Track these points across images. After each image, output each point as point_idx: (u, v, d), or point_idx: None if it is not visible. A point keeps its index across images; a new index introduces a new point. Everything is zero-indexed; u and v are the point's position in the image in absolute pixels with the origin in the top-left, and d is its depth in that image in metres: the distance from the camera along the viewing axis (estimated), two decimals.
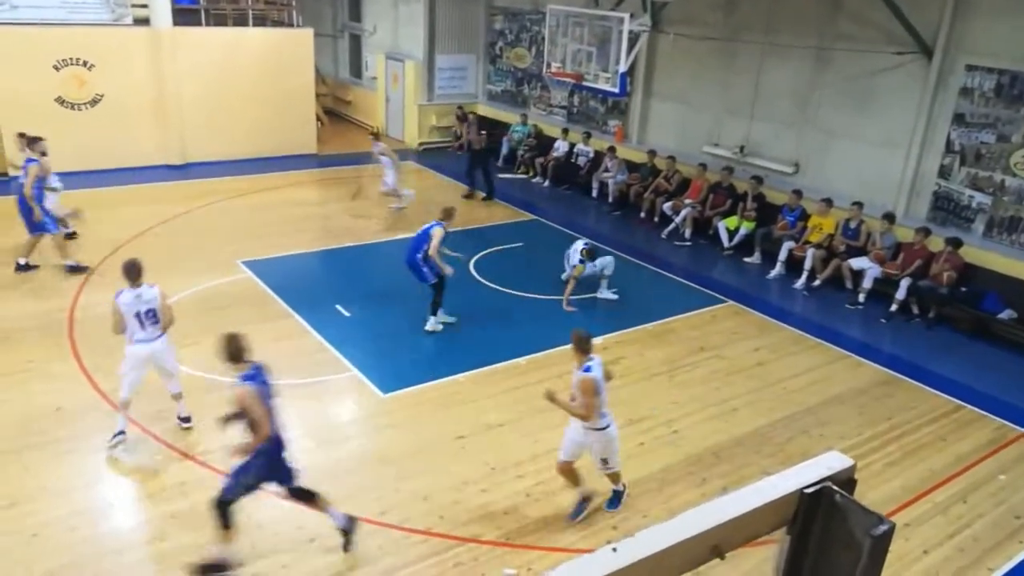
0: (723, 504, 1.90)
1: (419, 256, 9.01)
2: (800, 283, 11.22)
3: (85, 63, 14.38)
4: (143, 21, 15.00)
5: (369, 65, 20.86)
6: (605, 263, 10.42)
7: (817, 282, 11.15)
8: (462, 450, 6.96)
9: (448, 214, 9.28)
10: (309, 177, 16.04)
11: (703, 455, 7.08)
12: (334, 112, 21.37)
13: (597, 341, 9.05)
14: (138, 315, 6.47)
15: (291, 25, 17.03)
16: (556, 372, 8.38)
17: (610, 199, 14.63)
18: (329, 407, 7.75)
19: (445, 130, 18.88)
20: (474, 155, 14.80)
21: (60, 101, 14.32)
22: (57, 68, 14.17)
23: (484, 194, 14.80)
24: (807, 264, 11.18)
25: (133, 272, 6.50)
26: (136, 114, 15.00)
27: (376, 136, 13.90)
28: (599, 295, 10.42)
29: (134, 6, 15.01)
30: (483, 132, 15.01)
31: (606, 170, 14.83)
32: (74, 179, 14.10)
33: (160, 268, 10.52)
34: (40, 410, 7.19)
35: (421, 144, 18.70)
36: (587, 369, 5.78)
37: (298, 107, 16.92)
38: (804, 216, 11.72)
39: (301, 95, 16.89)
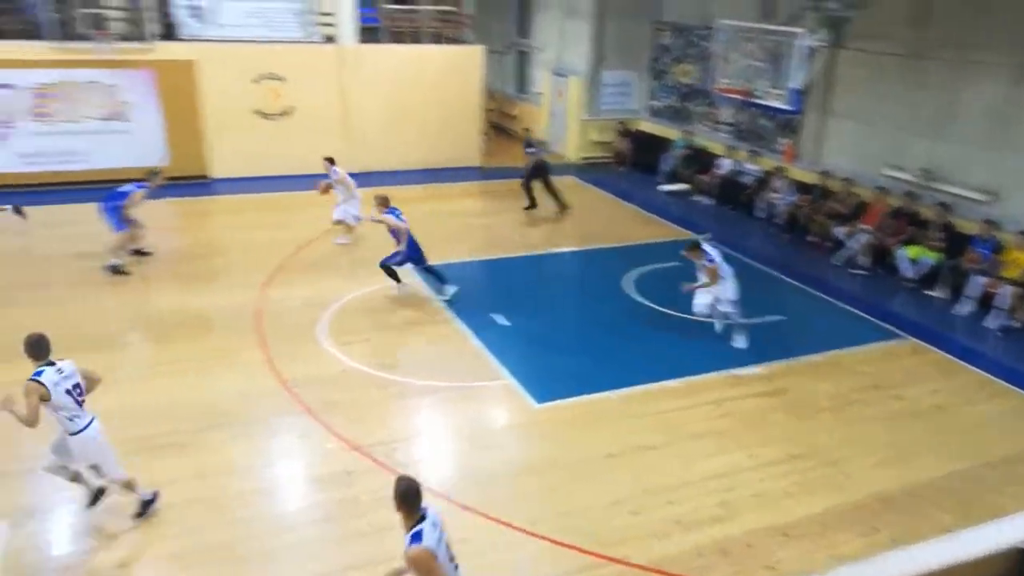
0: (926, 550, 1.77)
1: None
2: (992, 322, 10.23)
3: (280, 77, 15.66)
4: (331, 39, 16.16)
5: (534, 81, 21.30)
6: (724, 290, 9.22)
7: (1015, 323, 10.12)
8: (612, 468, 6.90)
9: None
10: (474, 189, 16.59)
11: (870, 502, 6.60)
12: (500, 126, 21.96)
13: (756, 370, 8.73)
14: (68, 392, 5.48)
15: (464, 42, 17.70)
16: (711, 398, 8.13)
17: (777, 220, 14.04)
18: (483, 413, 7.94)
19: (606, 145, 18.91)
20: (532, 169, 14.64)
21: (257, 112, 15.66)
22: (256, 82, 15.52)
23: (557, 208, 14.60)
24: (1002, 302, 10.18)
25: (43, 344, 5.50)
26: (322, 125, 16.13)
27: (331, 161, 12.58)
28: (735, 344, 9.36)
29: (323, 25, 16.21)
30: (532, 148, 14.81)
31: (774, 190, 14.25)
32: (267, 183, 15.41)
33: (334, 269, 11.31)
34: (231, 394, 7.86)
35: (582, 158, 18.84)
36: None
37: (466, 121, 17.55)
38: (998, 248, 10.69)
39: (469, 109, 17.51)
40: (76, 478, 5.95)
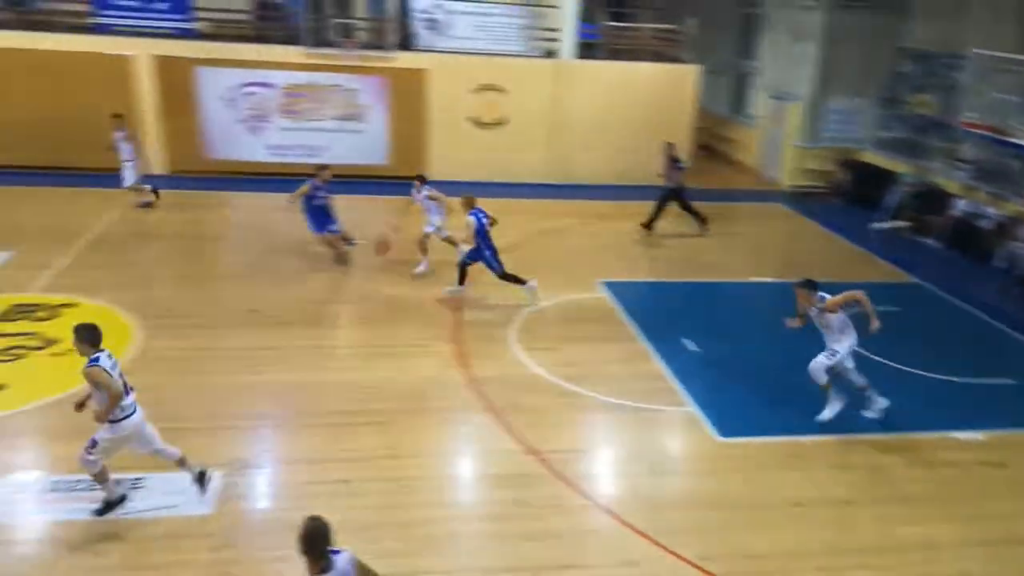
0: None
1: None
2: None
3: (499, 89, 16.33)
4: (551, 53, 16.62)
5: (751, 103, 20.56)
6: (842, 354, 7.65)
7: None
8: (799, 518, 6.46)
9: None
10: (675, 208, 16.27)
11: None
12: (710, 148, 21.43)
13: (977, 436, 7.81)
14: (121, 376, 5.73)
15: (681, 61, 17.47)
16: (922, 459, 7.39)
17: (1019, 272, 12.49)
18: (662, 438, 7.75)
19: (822, 174, 17.83)
20: (675, 188, 14.02)
21: (474, 120, 16.44)
22: (476, 92, 16.30)
23: (700, 225, 14.12)
24: None
25: (98, 333, 5.75)
26: (530, 136, 16.62)
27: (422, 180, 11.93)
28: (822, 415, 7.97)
29: (545, 40, 16.71)
30: (680, 165, 14.03)
31: (1018, 238, 12.69)
32: (476, 188, 16.09)
33: (528, 276, 11.55)
34: (424, 382, 8.30)
35: (794, 186, 17.90)
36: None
37: (674, 140, 17.27)
38: None
39: (680, 129, 17.23)
40: (102, 477, 5.84)
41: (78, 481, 6.20)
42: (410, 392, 8.08)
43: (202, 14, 15.96)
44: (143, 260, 11.49)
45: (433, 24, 16.13)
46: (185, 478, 6.17)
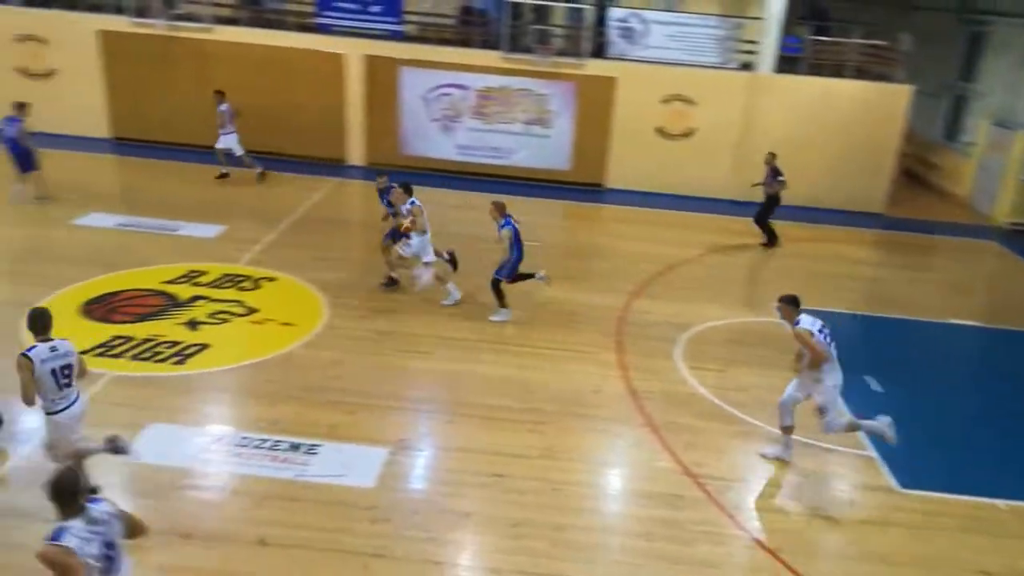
0: None
1: None
2: None
3: (688, 100, 16.01)
4: (747, 66, 16.04)
5: (968, 129, 18.72)
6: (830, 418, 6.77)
7: None
8: None
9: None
10: (869, 236, 15.20)
11: None
12: (914, 174, 19.78)
13: None
14: (54, 372, 5.43)
15: (890, 80, 16.25)
16: None
17: None
18: (833, 479, 7.25)
19: None
20: (772, 200, 13.33)
21: (660, 131, 16.23)
22: (665, 102, 16.07)
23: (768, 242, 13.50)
24: None
25: (44, 320, 5.51)
26: (717, 150, 16.13)
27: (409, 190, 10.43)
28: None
29: (743, 52, 16.15)
30: (780, 178, 13.15)
31: None
32: (656, 199, 15.92)
33: (701, 293, 11.24)
34: (583, 388, 8.32)
35: (1012, 223, 16.10)
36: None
37: (875, 163, 16.12)
38: None
39: (882, 152, 16.05)
40: (79, 455, 5.67)
41: (264, 440, 6.80)
42: (569, 396, 8.12)
43: (411, 17, 16.94)
44: (336, 244, 12.38)
45: (628, 33, 16.09)
46: (356, 450, 6.58)
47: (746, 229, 14.58)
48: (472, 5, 18.27)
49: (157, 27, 15.93)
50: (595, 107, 16.11)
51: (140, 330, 8.63)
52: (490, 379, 8.32)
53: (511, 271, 9.79)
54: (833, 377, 6.81)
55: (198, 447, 6.75)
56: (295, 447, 6.76)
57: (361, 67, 16.16)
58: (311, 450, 6.75)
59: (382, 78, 16.20)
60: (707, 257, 12.75)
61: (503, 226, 9.74)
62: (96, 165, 15.57)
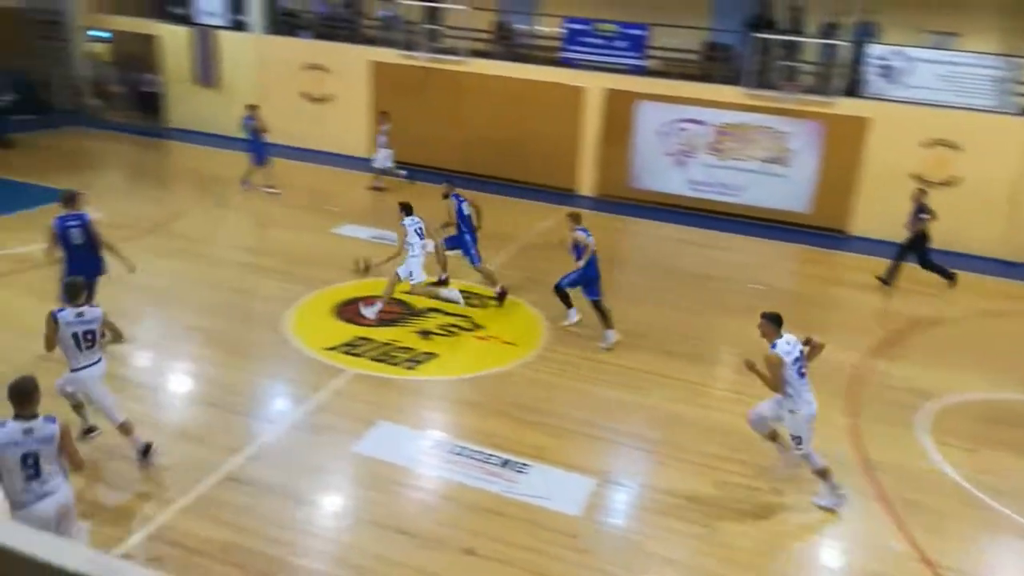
0: None
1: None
2: None
3: (954, 145, 14.51)
4: None
5: None
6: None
7: None
8: None
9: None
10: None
11: None
12: None
13: None
14: (76, 335, 6.18)
15: None
16: None
17: None
18: None
19: None
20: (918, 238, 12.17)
21: (915, 178, 14.79)
22: (925, 146, 14.68)
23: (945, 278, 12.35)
24: None
25: (74, 289, 6.32)
26: (989, 203, 14.40)
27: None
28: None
29: (1021, 95, 14.36)
30: (923, 215, 12.11)
31: None
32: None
33: (953, 360, 10.03)
34: None
35: None
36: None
37: None
38: None
39: None
40: (78, 409, 6.71)
41: (478, 452, 7.08)
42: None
43: (654, 52, 17.04)
44: (559, 270, 12.65)
45: (888, 71, 14.95)
46: (563, 476, 6.65)
47: (1021, 293, 12.89)
48: (717, 41, 17.99)
49: (420, 59, 17.42)
50: (843, 148, 15.12)
51: (380, 334, 9.38)
52: (709, 425, 8.03)
53: (579, 278, 9.68)
54: (806, 408, 6.58)
55: (419, 449, 7.17)
56: (505, 463, 6.96)
57: (599, 100, 16.50)
58: (520, 468, 6.91)
59: (619, 111, 16.42)
60: (968, 320, 11.41)
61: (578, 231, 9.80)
62: (356, 181, 17.26)
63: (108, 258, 8.41)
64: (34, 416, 4.70)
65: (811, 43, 16.06)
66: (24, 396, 4.72)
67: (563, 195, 16.78)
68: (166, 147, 18.90)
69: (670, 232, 15.16)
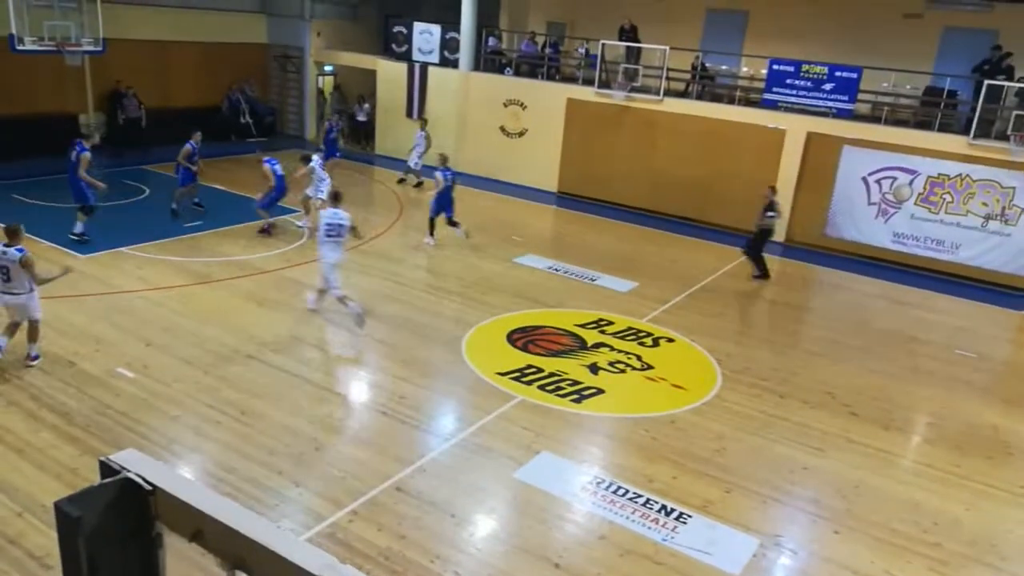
0: None
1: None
2: None
3: None
4: None
5: None
6: None
7: None
8: None
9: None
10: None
11: None
12: None
13: None
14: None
15: None
16: None
17: None
18: None
19: None
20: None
21: None
22: None
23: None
24: None
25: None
26: None
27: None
28: None
29: None
30: (772, 215, 13.01)
31: None
32: None
33: None
34: (1008, 537, 6.87)
35: None
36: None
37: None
38: None
39: None
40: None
41: (638, 495, 6.95)
42: (986, 542, 6.76)
43: (866, 96, 16.10)
44: (739, 316, 12.21)
45: None
46: (726, 532, 6.36)
47: None
48: (938, 85, 16.67)
49: (615, 97, 17.64)
50: None
51: (550, 364, 9.51)
52: (891, 497, 7.35)
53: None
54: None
55: (579, 484, 7.16)
56: (666, 510, 6.77)
57: (800, 143, 15.81)
58: (681, 518, 6.69)
59: (820, 156, 15.65)
60: None
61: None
62: (540, 214, 17.72)
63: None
64: (10, 246, 7.93)
65: None
66: (9, 233, 8.05)
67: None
68: (372, 172, 20.45)
69: (867, 286, 14.13)
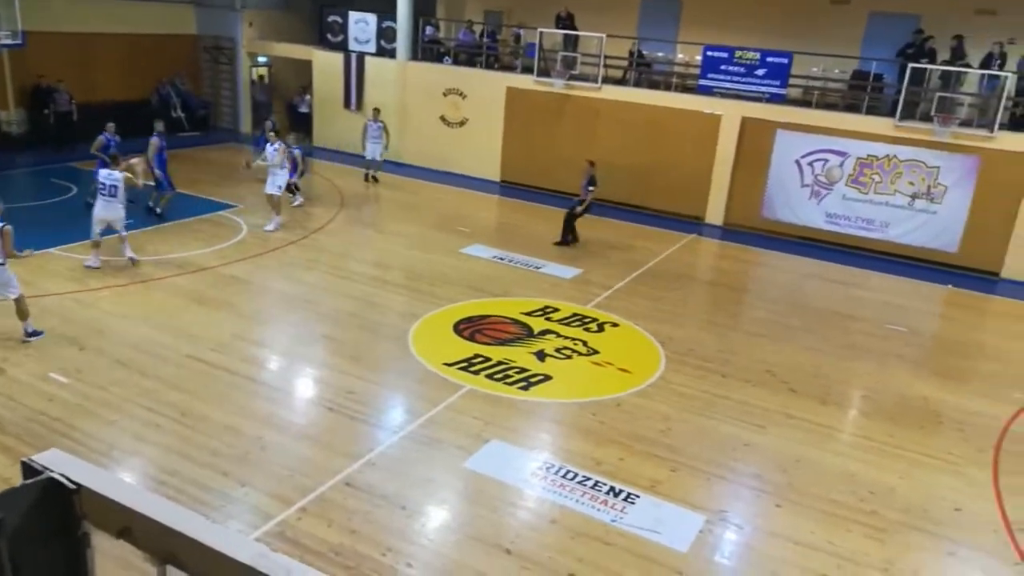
0: None
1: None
2: None
3: None
4: None
5: None
6: None
7: None
8: None
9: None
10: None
11: None
12: None
13: None
14: None
15: None
16: None
17: None
18: None
19: None
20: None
21: None
22: None
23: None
24: None
25: None
26: None
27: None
28: None
29: None
30: (591, 188, 13.90)
31: None
32: None
33: None
34: (940, 502, 7.19)
35: None
36: None
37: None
38: None
39: None
40: None
41: (587, 478, 7.03)
42: (921, 508, 7.06)
43: (796, 81, 16.50)
44: (679, 298, 12.43)
45: None
46: (674, 510, 6.48)
47: None
48: (865, 69, 17.20)
49: (555, 85, 17.70)
50: (1002, 185, 14.05)
51: (497, 353, 9.54)
52: (830, 469, 7.60)
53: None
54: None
55: (528, 470, 7.20)
56: (615, 492, 6.87)
57: (735, 128, 16.13)
58: (629, 499, 6.80)
59: (755, 140, 16.00)
60: None
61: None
62: (485, 204, 17.71)
63: None
64: None
65: (972, 74, 15.03)
66: None
67: (692, 224, 16.50)
68: (312, 164, 20.12)
69: (802, 266, 14.55)
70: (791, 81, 16.23)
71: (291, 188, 14.87)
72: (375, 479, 6.83)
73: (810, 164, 15.67)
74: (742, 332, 11.18)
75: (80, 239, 12.08)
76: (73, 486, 1.35)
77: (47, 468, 1.40)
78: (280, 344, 9.68)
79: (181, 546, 1.30)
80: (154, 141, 13.63)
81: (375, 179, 18.05)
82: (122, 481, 1.49)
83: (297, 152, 15.10)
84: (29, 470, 1.43)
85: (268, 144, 13.84)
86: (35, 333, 8.78)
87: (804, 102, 16.45)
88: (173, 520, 1.32)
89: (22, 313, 8.69)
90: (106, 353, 8.67)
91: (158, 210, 13.75)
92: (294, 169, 14.68)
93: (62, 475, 1.37)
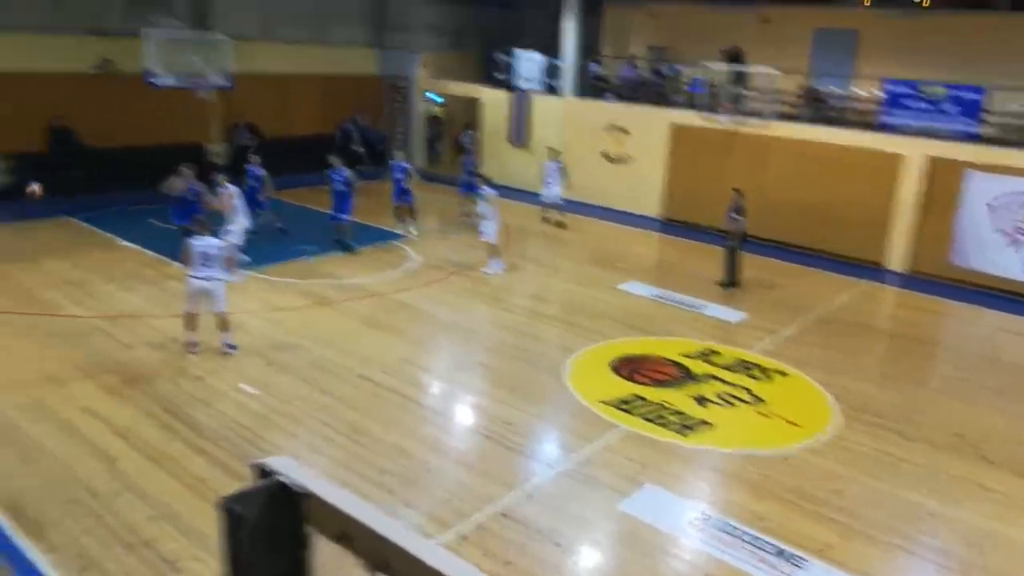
0: None
1: None
2: None
3: None
4: None
5: None
6: None
7: None
8: None
9: None
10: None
11: None
12: None
13: None
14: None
15: None
16: None
17: None
18: None
19: None
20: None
21: None
22: None
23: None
24: None
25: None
26: None
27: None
28: None
29: None
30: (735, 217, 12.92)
31: None
32: None
33: None
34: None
35: None
36: None
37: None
38: None
39: None
40: None
41: (749, 534, 6.67)
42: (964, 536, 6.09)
43: (992, 118, 15.19)
44: (856, 349, 11.60)
45: None
46: None
47: None
48: None
49: (722, 122, 17.32)
50: None
51: (655, 394, 9.31)
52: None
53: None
54: None
55: (685, 518, 6.93)
56: (780, 552, 6.45)
57: (919, 168, 15.04)
58: (797, 562, 6.36)
59: (942, 181, 14.81)
60: None
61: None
62: (644, 240, 17.53)
63: None
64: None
65: None
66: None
67: (869, 268, 15.46)
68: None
69: (999, 321, 13.19)
70: (989, 118, 14.93)
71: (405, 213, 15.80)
72: (531, 512, 6.83)
73: (1008, 208, 14.27)
74: (927, 389, 10.27)
75: (270, 262, 13.15)
76: (302, 491, 1.44)
77: (277, 472, 1.50)
78: (443, 370, 10.00)
79: (395, 555, 1.35)
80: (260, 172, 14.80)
81: (559, 224, 17.50)
82: (342, 490, 1.57)
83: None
84: (260, 472, 1.53)
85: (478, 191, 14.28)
86: (232, 346, 9.56)
87: (1003, 141, 15.06)
88: (389, 531, 1.37)
89: (224, 324, 9.51)
90: (290, 369, 9.32)
91: (348, 241, 14.56)
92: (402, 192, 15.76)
93: (292, 480, 1.46)
